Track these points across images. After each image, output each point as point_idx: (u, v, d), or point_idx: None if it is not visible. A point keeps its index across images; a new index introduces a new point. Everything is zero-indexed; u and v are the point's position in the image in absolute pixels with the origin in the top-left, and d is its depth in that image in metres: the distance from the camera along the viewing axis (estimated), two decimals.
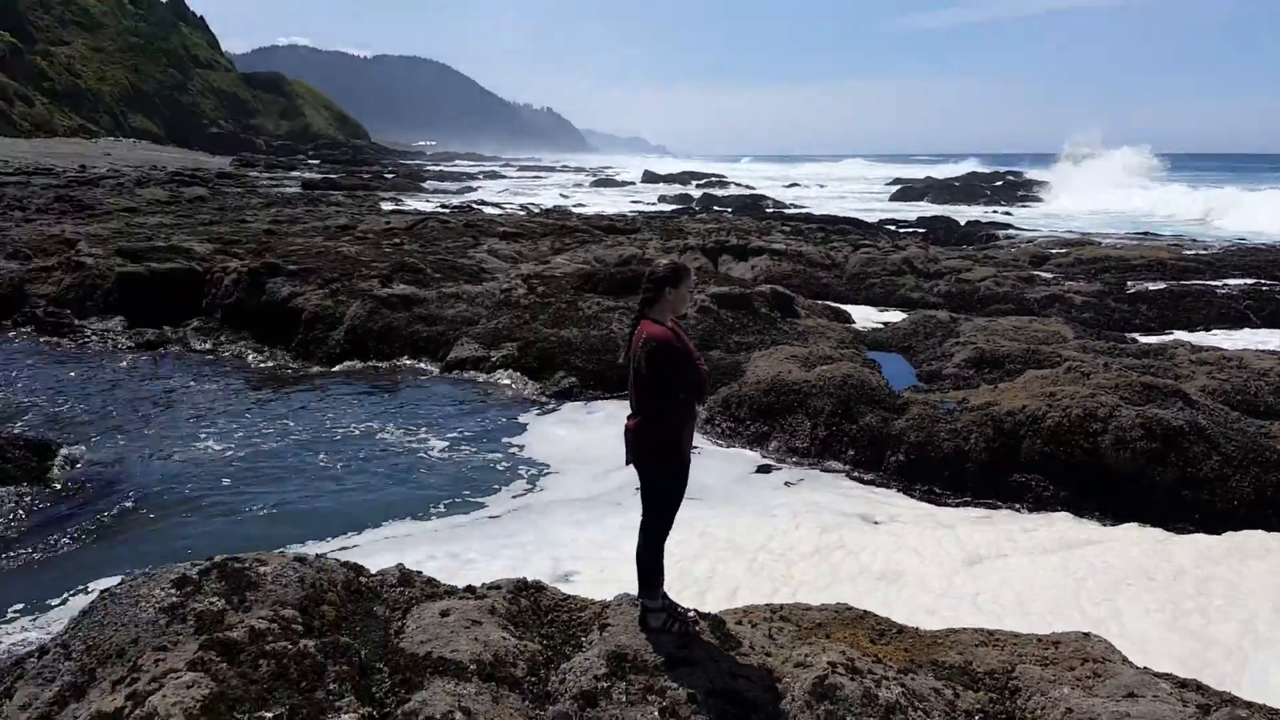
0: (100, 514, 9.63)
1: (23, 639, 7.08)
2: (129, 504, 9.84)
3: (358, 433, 12.68)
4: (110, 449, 11.71)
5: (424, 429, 12.87)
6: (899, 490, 10.78)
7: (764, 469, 11.48)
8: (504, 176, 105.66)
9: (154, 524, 9.59)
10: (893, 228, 43.70)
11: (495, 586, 5.69)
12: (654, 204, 62.93)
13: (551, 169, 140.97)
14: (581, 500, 10.44)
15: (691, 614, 5.69)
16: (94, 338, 18.17)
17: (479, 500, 10.44)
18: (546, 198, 64.86)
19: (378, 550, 8.74)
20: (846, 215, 48.64)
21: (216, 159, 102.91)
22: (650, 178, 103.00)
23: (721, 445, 12.30)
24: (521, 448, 12.26)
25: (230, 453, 11.89)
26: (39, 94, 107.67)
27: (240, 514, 9.92)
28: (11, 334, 18.34)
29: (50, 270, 20.72)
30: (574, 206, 54.57)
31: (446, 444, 12.24)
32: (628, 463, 5.29)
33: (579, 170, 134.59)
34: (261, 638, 4.68)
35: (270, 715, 4.00)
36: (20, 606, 7.74)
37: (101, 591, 5.33)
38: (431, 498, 10.43)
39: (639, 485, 5.38)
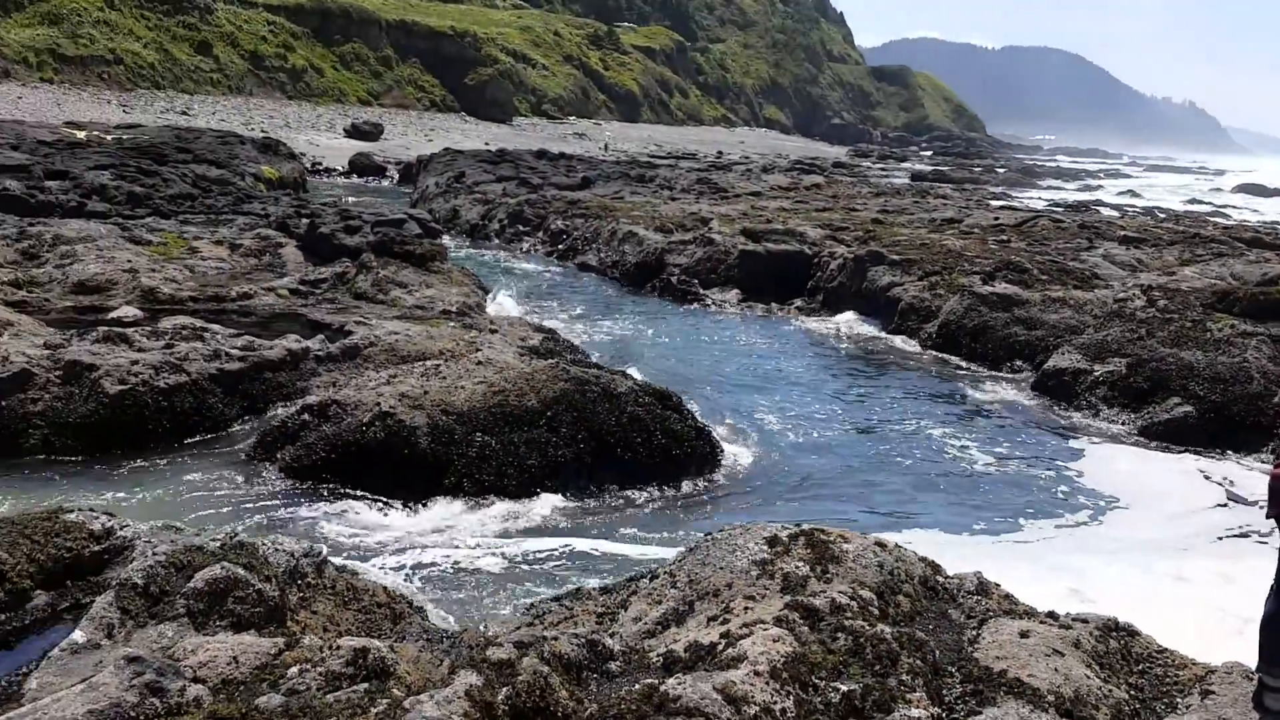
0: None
1: (642, 556, 8.21)
2: (722, 456, 10.86)
3: (912, 428, 12.74)
4: (710, 404, 13.03)
5: (982, 440, 12.45)
6: None
7: None
8: (1127, 176, 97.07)
9: (745, 474, 10.51)
10: None
11: (1081, 620, 5.30)
12: None
13: (1186, 170, 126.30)
14: (1146, 541, 9.35)
15: None
16: (713, 306, 20.32)
17: (1028, 522, 9.83)
18: (1176, 201, 58.33)
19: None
20: None
21: (834, 149, 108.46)
22: None
23: None
24: (1080, 474, 11.32)
25: (806, 421, 12.58)
26: (693, 86, 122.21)
27: (803, 481, 10.55)
28: (653, 296, 21.21)
29: (686, 244, 23.52)
30: (1210, 214, 48.35)
31: (994, 459, 11.72)
32: (1268, 516, 4.57)
33: (1219, 173, 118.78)
34: (841, 611, 4.88)
35: (844, 688, 4.16)
36: (640, 535, 8.98)
37: (705, 534, 5.95)
38: (975, 510, 10.09)
39: (1277, 543, 4.62)
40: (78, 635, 4.33)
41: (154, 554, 4.90)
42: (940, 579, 5.86)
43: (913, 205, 34.80)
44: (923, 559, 6.02)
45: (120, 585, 4.63)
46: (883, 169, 73.74)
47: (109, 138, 32.38)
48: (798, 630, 4.62)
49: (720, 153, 74.25)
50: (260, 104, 65.08)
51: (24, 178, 19.58)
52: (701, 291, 20.97)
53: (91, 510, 5.55)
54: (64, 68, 58.21)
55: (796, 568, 5.35)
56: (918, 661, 4.59)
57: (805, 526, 5.94)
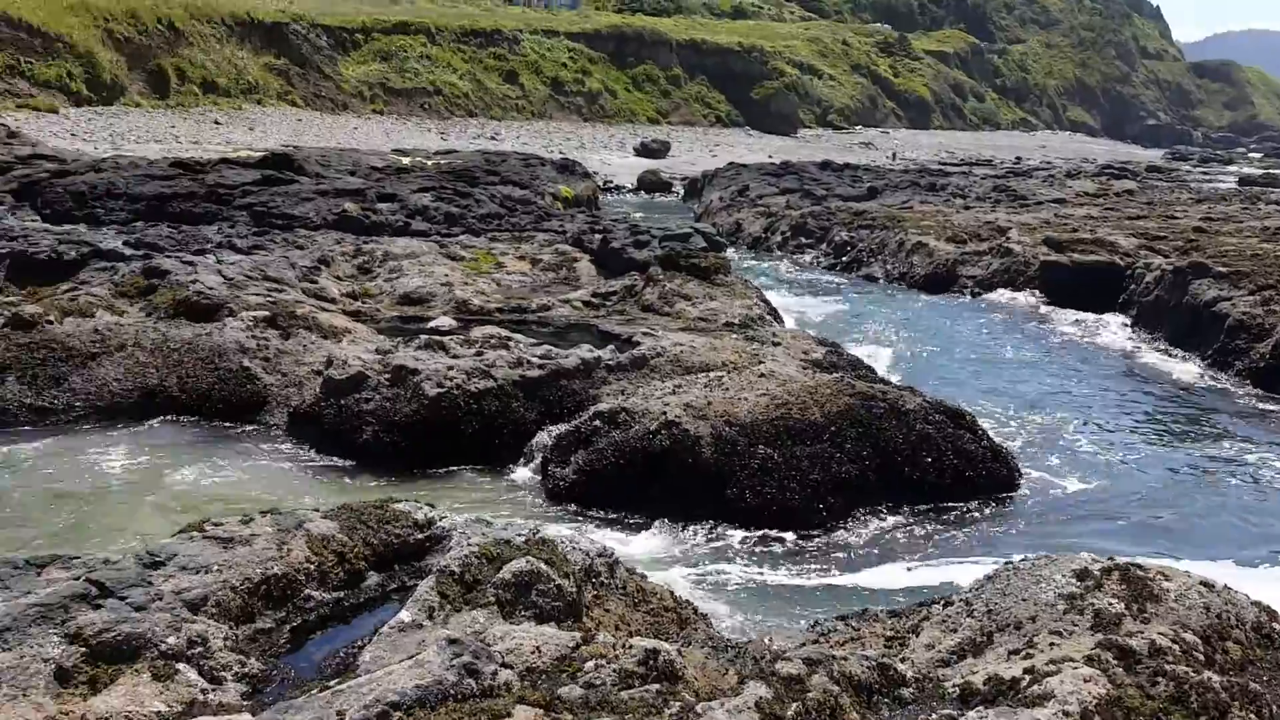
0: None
1: (931, 581, 7.93)
2: (1020, 480, 10.23)
3: (1234, 463, 11.46)
4: (1004, 425, 12.33)
5: None
6: None
7: None
8: None
9: (1044, 501, 9.87)
10: None
11: None
12: None
13: None
14: None
15: None
16: (1009, 320, 19.27)
17: None
18: None
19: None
20: None
21: (1148, 152, 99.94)
22: None
23: None
24: None
25: (1112, 449, 11.61)
26: (990, 90, 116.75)
27: (1108, 512, 9.80)
28: (940, 308, 20.42)
29: (980, 255, 22.49)
30: None
31: None
32: None
33: None
34: (1161, 654, 4.47)
35: None
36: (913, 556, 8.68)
37: (1005, 563, 5.65)
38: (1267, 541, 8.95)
39: None
40: (405, 615, 4.77)
41: (468, 545, 5.30)
42: (1277, 626, 5.23)
43: (1241, 212, 31.41)
44: (1256, 603, 5.39)
45: (440, 572, 5.05)
46: (1204, 173, 67.06)
47: (429, 163, 35.49)
48: (1111, 672, 4.27)
49: (1019, 158, 70.42)
50: (559, 127, 69.02)
51: (359, 200, 21.87)
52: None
53: (415, 501, 6.10)
54: (392, 100, 64.52)
55: (1110, 604, 4.96)
56: (1251, 716, 4.12)
57: (1119, 560, 5.50)
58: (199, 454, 10.12)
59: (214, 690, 4.66)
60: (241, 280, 13.91)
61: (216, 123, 50.29)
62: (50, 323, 11.38)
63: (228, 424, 10.74)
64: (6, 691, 4.24)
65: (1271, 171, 66.97)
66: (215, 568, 5.34)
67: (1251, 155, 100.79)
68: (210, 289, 12.93)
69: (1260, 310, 16.38)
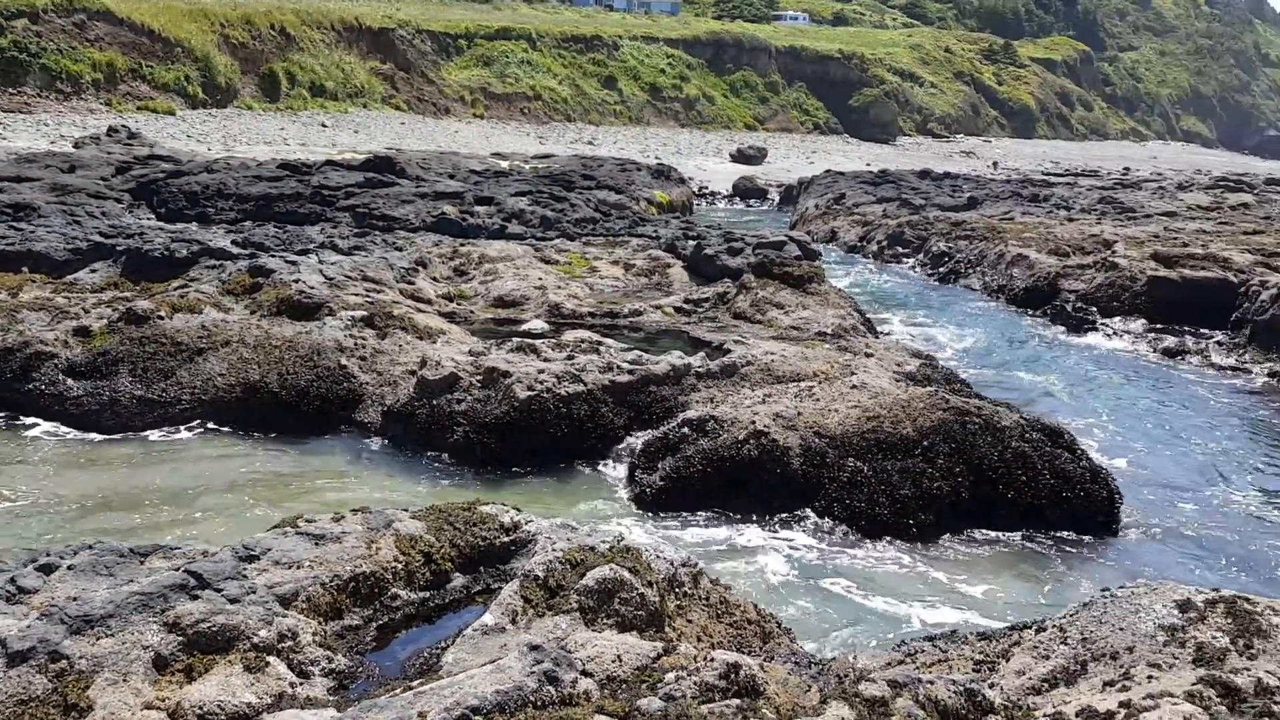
0: None
1: (1022, 604, 7.69)
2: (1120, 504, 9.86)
3: None
4: (1105, 447, 11.90)
5: None
6: None
7: None
8: None
9: (1145, 527, 9.50)
10: None
11: None
12: None
13: None
14: None
15: None
16: (1113, 337, 18.61)
17: None
18: None
19: None
20: None
21: (1268, 163, 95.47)
22: None
23: None
24: None
25: (1214, 478, 11.10)
26: (1098, 99, 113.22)
27: (1211, 542, 9.34)
28: (1044, 324, 19.83)
29: (1084, 268, 21.76)
30: None
31: None
32: None
33: None
34: (1269, 694, 4.25)
35: None
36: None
37: (1102, 590, 5.44)
38: None
39: None
40: (488, 618, 4.82)
41: (553, 550, 5.34)
42: None
43: None
44: None
45: (524, 576, 5.09)
46: None
47: (527, 167, 35.98)
48: (1214, 709, 4.08)
49: (1127, 169, 68.04)
50: (656, 132, 69.26)
51: (457, 203, 22.27)
52: (1101, 320, 19.30)
53: (503, 504, 6.17)
54: (492, 104, 65.64)
55: (1214, 638, 4.74)
56: None
57: (1225, 592, 5.25)
58: (296, 449, 10.41)
59: (302, 684, 4.77)
60: (342, 280, 14.28)
61: (323, 125, 51.83)
62: (161, 318, 11.85)
63: (325, 420, 11.03)
64: (108, 676, 4.41)
65: None
66: (307, 563, 5.48)
67: None
68: (311, 288, 13.30)
69: None
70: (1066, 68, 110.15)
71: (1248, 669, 4.52)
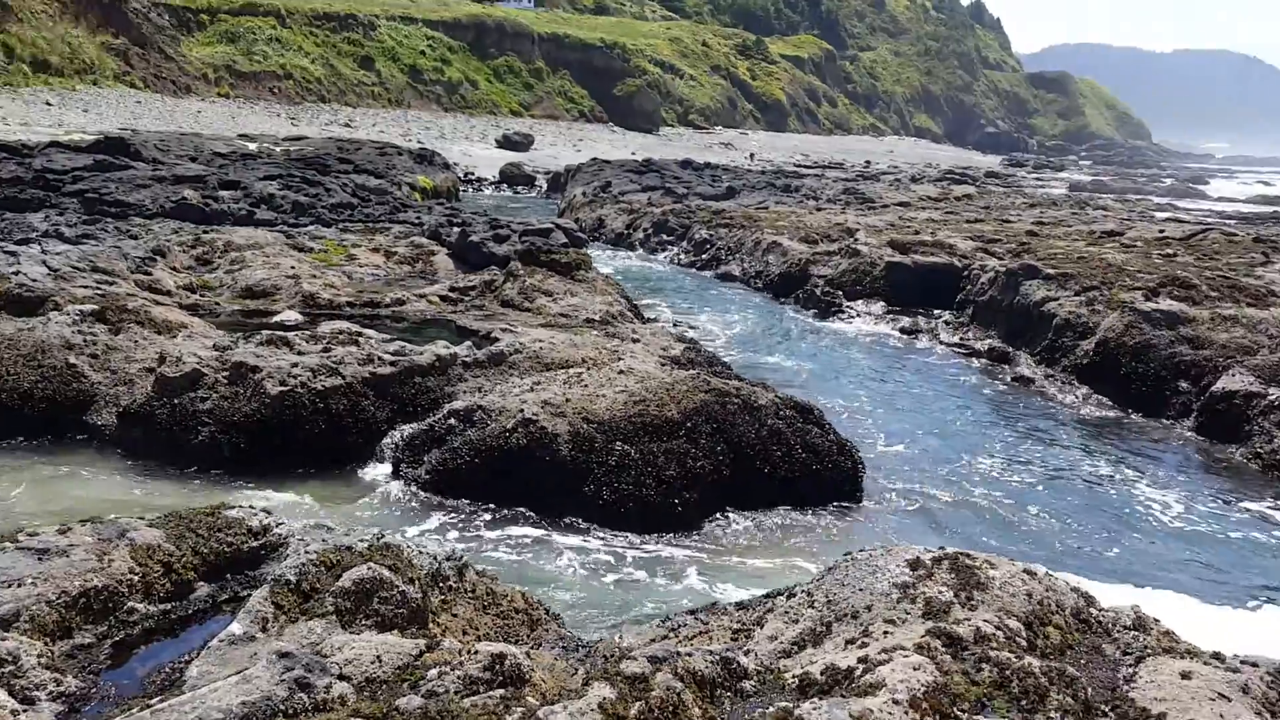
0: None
1: (778, 572, 8.09)
2: (864, 474, 10.59)
3: (1064, 460, 12.09)
4: (851, 421, 12.73)
5: (1139, 472, 11.73)
6: None
7: None
8: None
9: (887, 495, 10.24)
10: None
11: (1251, 663, 4.92)
12: None
13: None
14: None
15: None
16: (857, 318, 19.93)
17: (1214, 579, 9.11)
18: None
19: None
20: None
21: (987, 158, 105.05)
22: None
23: None
24: (1261, 515, 10.51)
25: (950, 446, 12.14)
26: (842, 95, 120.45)
27: (946, 508, 10.18)
28: (796, 307, 20.94)
29: (831, 255, 23.15)
30: None
31: (1155, 495, 10.98)
32: None
33: None
34: (985, 641, 4.67)
35: None
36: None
37: (845, 553, 5.81)
38: (1134, 553, 9.46)
39: None
40: (235, 627, 4.55)
41: (306, 552, 5.11)
42: (1094, 611, 5.55)
43: (1070, 217, 33.38)
44: (1075, 589, 5.71)
45: (275, 581, 4.85)
46: (1038, 179, 70.96)
47: (278, 149, 34.21)
48: (940, 659, 4.44)
49: (868, 162, 72.94)
50: (417, 116, 67.63)
51: (200, 187, 20.88)
52: (846, 303, 20.61)
53: (250, 507, 5.84)
54: (239, 83, 61.91)
55: (940, 593, 5.16)
56: (1068, 699, 4.35)
57: (949, 550, 5.73)
58: (16, 458, 9.47)
59: (26, 711, 4.36)
60: (69, 272, 13.08)
61: (48, 104, 47.24)
62: None
63: (50, 425, 10.07)
64: None
65: (1100, 179, 71.41)
66: (29, 580, 5.00)
67: (1082, 163, 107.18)
68: (34, 281, 12.12)
69: (1085, 310, 17.42)
70: (813, 65, 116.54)
71: (969, 619, 4.95)
